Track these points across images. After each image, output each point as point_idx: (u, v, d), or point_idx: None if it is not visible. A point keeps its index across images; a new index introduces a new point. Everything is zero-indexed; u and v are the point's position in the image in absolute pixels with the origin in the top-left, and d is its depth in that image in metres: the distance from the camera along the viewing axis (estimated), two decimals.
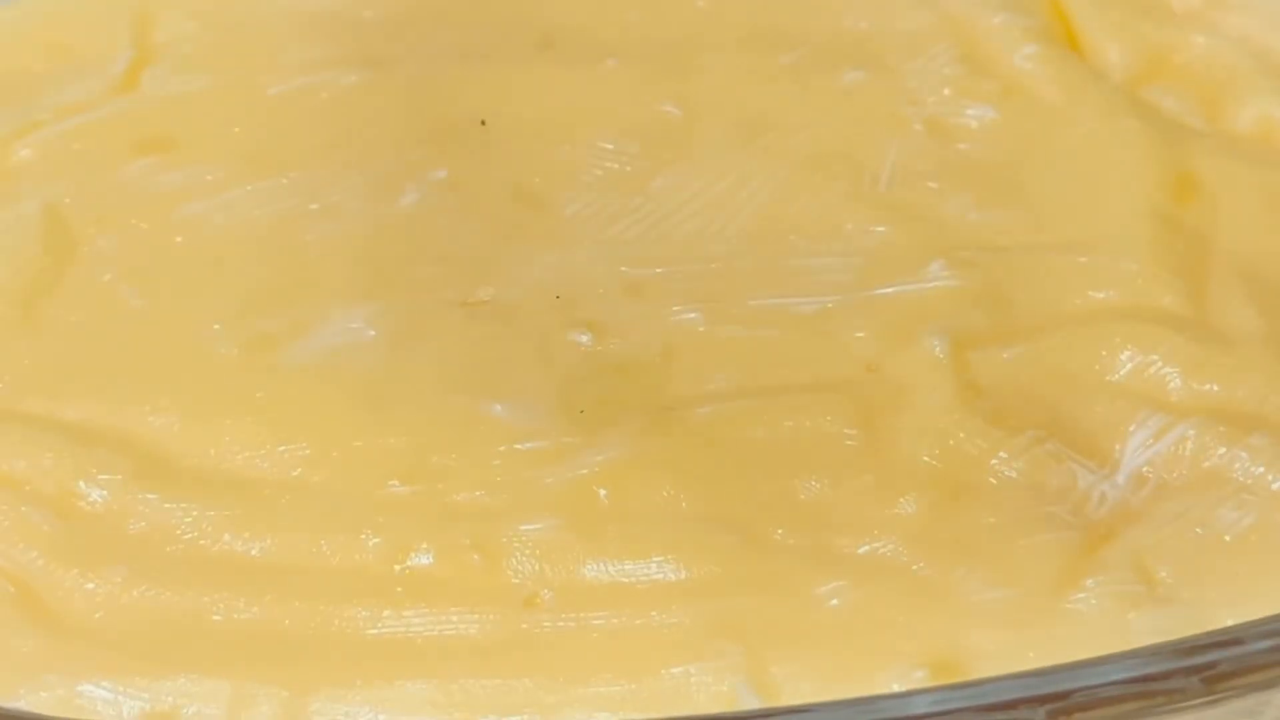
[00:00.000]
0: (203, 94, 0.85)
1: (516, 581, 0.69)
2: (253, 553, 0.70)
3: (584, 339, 0.76)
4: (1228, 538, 0.70)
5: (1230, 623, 0.68)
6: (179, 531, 0.71)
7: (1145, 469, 0.72)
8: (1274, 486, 0.71)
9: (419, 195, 0.81)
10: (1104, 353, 0.75)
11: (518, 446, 0.73)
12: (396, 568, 0.69)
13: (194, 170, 0.82)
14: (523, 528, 0.70)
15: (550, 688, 0.67)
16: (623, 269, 0.79)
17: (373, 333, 0.76)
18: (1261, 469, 0.72)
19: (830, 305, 0.77)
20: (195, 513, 0.71)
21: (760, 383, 0.75)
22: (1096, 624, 0.68)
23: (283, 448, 0.73)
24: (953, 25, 0.88)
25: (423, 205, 0.81)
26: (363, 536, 0.70)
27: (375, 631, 0.68)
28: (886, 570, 0.70)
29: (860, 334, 0.76)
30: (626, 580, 0.69)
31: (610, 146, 0.83)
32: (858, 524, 0.71)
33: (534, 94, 0.85)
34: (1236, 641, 0.63)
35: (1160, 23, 0.87)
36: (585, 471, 0.72)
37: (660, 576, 0.69)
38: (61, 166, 0.83)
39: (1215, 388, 0.74)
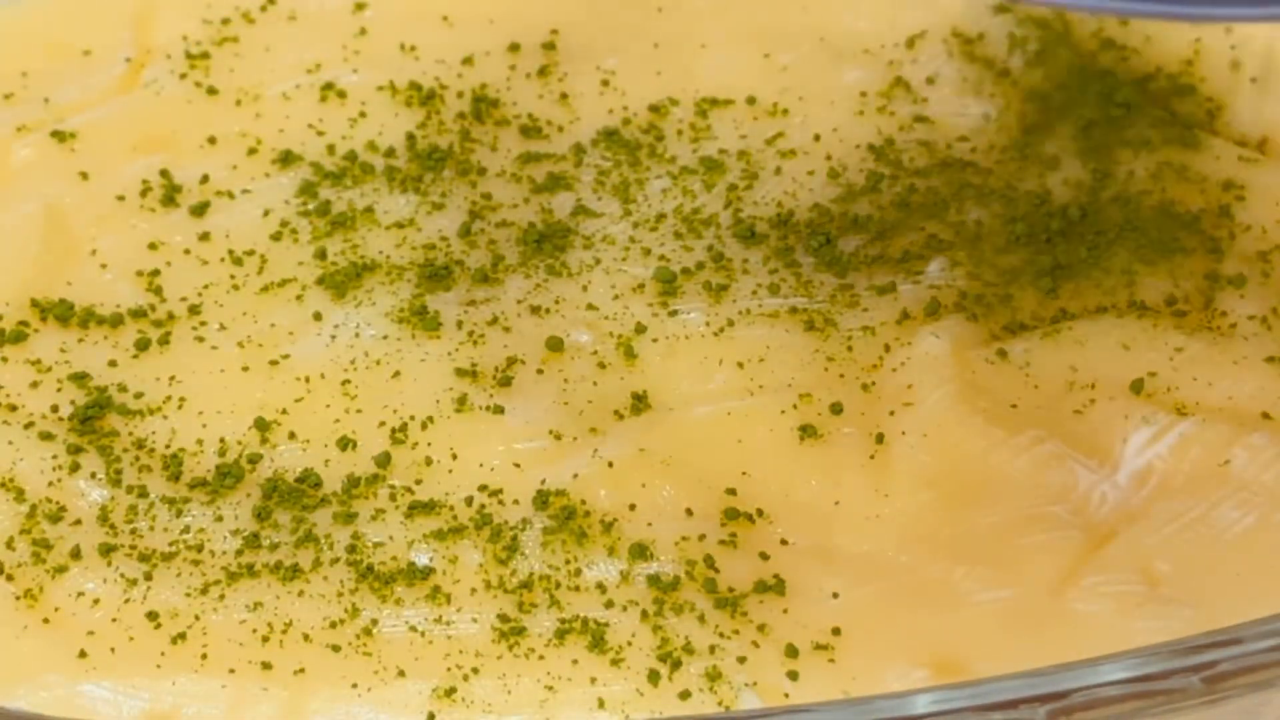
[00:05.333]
0: (202, 93, 0.85)
1: (517, 581, 0.69)
2: (252, 552, 0.70)
3: (584, 338, 0.76)
4: (1228, 537, 0.70)
5: (1230, 622, 0.68)
6: (179, 531, 0.71)
7: (1146, 468, 0.72)
8: (1274, 486, 0.71)
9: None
10: (1105, 352, 0.75)
11: (517, 446, 0.73)
12: (396, 568, 0.69)
13: (194, 169, 0.82)
14: (523, 528, 0.70)
15: (550, 687, 0.67)
16: (623, 268, 0.79)
17: (373, 331, 0.76)
18: (1262, 468, 0.72)
19: (830, 305, 0.77)
20: (195, 512, 0.71)
21: (761, 382, 0.75)
22: (1097, 623, 0.68)
23: (283, 448, 0.73)
24: (952, 24, 0.88)
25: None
26: (363, 536, 0.70)
27: (375, 631, 0.68)
28: (887, 570, 0.70)
29: (860, 333, 0.76)
30: (626, 580, 0.69)
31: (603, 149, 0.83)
32: (858, 523, 0.71)
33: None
34: (1236, 641, 0.63)
35: (1161, 23, 0.87)
36: (585, 471, 0.72)
37: (660, 576, 0.69)
38: (61, 166, 0.83)
39: (1216, 387, 0.74)
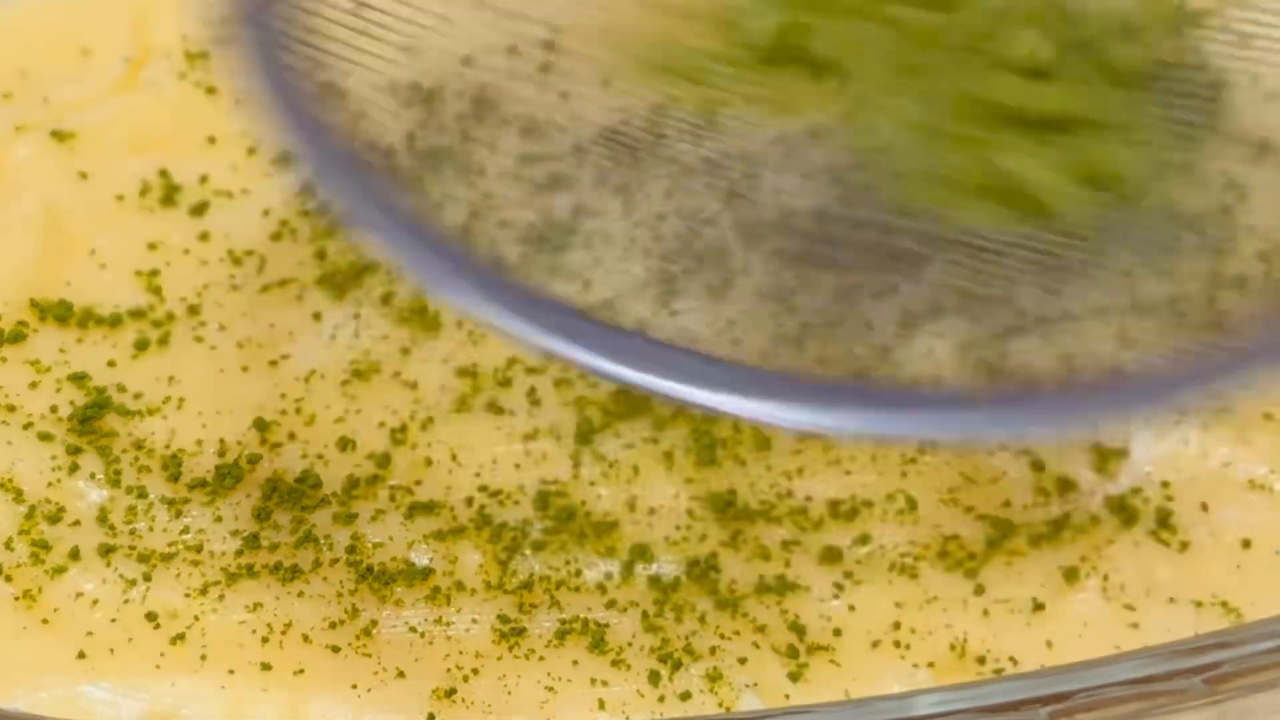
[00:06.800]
0: (201, 93, 0.85)
1: (517, 582, 0.69)
2: (252, 552, 0.70)
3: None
4: (1229, 538, 0.70)
5: (1233, 623, 0.68)
6: (179, 532, 0.71)
7: (1148, 469, 0.72)
8: (1277, 487, 0.71)
9: None
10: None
11: (517, 446, 0.73)
12: (396, 569, 0.69)
13: (193, 170, 0.82)
14: (523, 528, 0.70)
15: (551, 688, 0.67)
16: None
17: (373, 331, 0.76)
18: (1264, 469, 0.71)
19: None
20: (195, 512, 0.71)
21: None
22: (1099, 624, 0.68)
23: (283, 448, 0.73)
24: None
25: None
26: (363, 536, 0.70)
27: (375, 632, 0.68)
28: (888, 570, 0.70)
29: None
30: (627, 580, 0.69)
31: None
32: (860, 523, 0.71)
33: None
34: (1239, 642, 0.63)
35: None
36: (587, 471, 0.72)
37: (661, 576, 0.69)
38: (61, 166, 0.83)
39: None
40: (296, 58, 0.66)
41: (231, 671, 0.67)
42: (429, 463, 0.73)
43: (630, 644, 0.68)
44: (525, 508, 0.71)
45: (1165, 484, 0.72)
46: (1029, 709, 0.62)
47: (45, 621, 0.69)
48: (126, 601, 0.69)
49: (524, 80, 0.74)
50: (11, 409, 0.74)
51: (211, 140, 0.83)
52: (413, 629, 0.68)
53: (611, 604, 0.69)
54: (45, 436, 0.73)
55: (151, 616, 0.68)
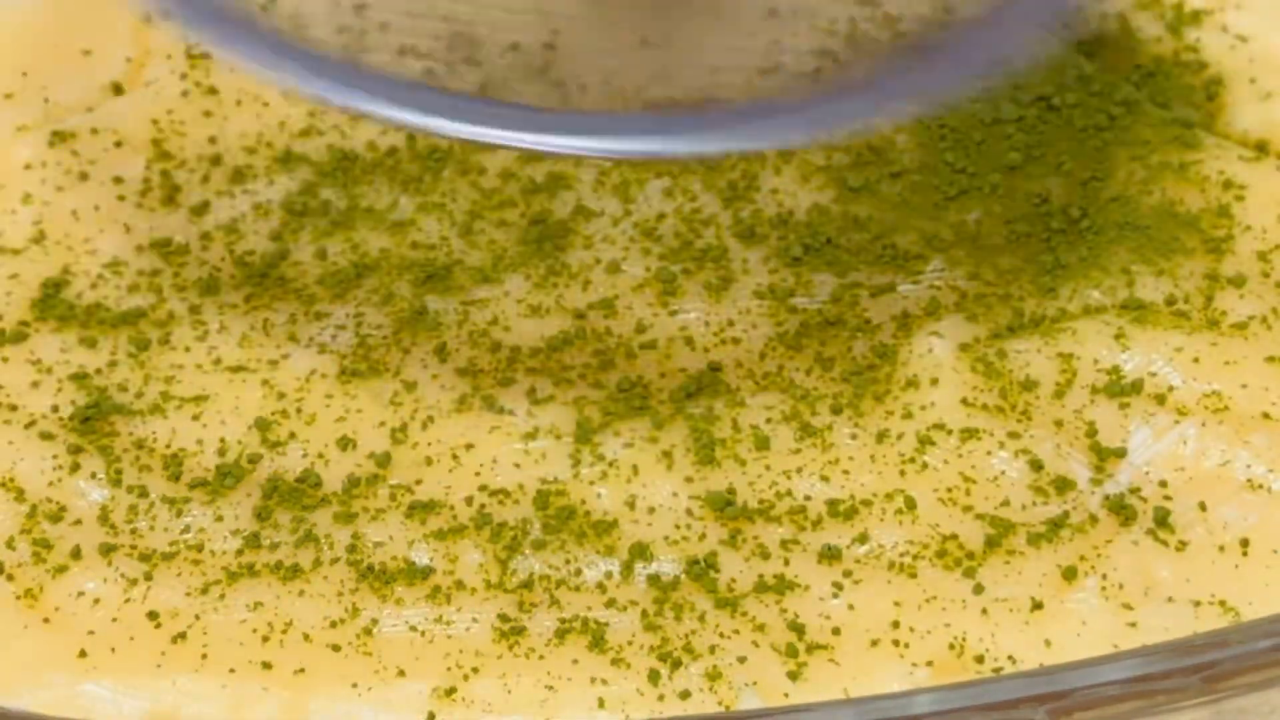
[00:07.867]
0: (202, 93, 0.85)
1: (517, 581, 0.69)
2: (252, 552, 0.70)
3: (584, 338, 0.76)
4: (1228, 537, 0.70)
5: (1230, 623, 0.68)
6: (179, 531, 0.71)
7: (1146, 468, 0.72)
8: (1274, 486, 0.71)
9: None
10: (1106, 352, 0.75)
11: (517, 446, 0.73)
12: (397, 568, 0.70)
13: (194, 169, 0.82)
14: (523, 528, 0.70)
15: (551, 687, 0.67)
16: (623, 268, 0.79)
17: (373, 331, 0.76)
18: (1262, 468, 0.72)
19: (830, 305, 0.77)
20: (195, 512, 0.71)
21: (760, 381, 0.75)
22: (1097, 623, 0.68)
23: (283, 447, 0.73)
24: None
25: None
26: (363, 535, 0.70)
27: (375, 631, 0.68)
28: (887, 569, 0.70)
29: (860, 333, 0.76)
30: (626, 580, 0.69)
31: None
32: (859, 522, 0.71)
33: None
34: (1237, 641, 0.63)
35: (1161, 24, 0.87)
36: (585, 471, 0.72)
37: (660, 576, 0.69)
38: (61, 166, 0.83)
39: (1217, 387, 0.74)
40: None
41: (232, 670, 0.68)
42: (429, 462, 0.73)
43: (630, 643, 0.68)
44: (525, 507, 0.71)
45: (1163, 483, 0.72)
46: (1027, 707, 0.62)
47: (47, 620, 0.69)
48: (128, 600, 0.69)
49: None
50: (13, 408, 0.74)
51: (212, 140, 0.84)
52: (413, 628, 0.68)
53: (611, 603, 0.69)
54: (47, 436, 0.73)
55: (153, 615, 0.68)
